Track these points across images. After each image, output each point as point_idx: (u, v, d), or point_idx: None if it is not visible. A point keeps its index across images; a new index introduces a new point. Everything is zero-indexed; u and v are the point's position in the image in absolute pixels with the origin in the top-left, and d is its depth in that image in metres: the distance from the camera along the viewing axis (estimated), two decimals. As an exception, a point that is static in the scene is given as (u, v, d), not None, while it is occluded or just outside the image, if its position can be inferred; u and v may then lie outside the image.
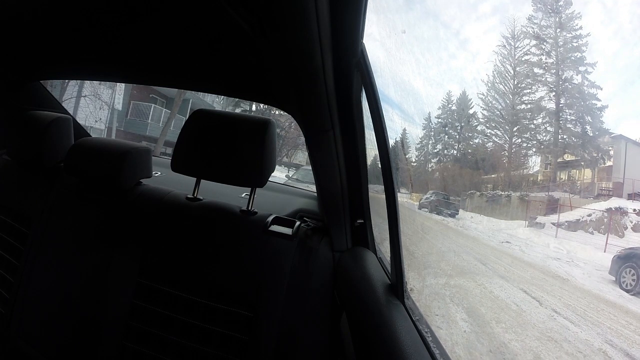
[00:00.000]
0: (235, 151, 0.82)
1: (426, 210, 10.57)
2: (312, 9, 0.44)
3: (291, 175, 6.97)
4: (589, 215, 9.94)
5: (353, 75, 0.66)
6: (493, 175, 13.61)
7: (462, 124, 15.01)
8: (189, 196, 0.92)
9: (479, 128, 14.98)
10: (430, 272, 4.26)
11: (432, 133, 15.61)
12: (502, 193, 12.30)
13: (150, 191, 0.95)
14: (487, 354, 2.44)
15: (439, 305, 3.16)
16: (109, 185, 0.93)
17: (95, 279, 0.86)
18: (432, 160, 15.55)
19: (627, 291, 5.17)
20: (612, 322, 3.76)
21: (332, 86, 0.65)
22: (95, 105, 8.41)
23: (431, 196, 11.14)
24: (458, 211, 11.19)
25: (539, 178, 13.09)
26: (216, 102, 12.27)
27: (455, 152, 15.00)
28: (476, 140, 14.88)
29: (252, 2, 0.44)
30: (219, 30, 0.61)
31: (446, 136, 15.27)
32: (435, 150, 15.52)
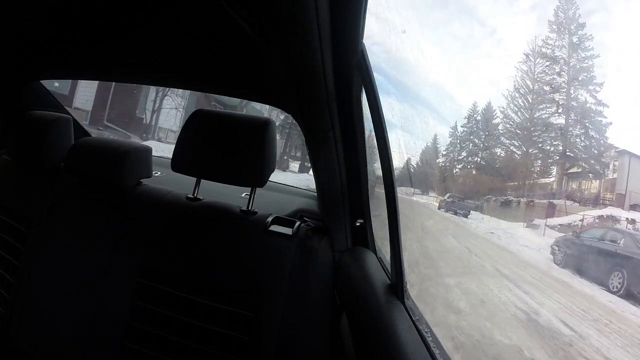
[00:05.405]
0: (235, 151, 0.82)
1: (443, 210, 12.08)
2: (312, 9, 0.45)
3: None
4: (581, 219, 11.57)
5: (353, 75, 0.67)
6: (510, 183, 15.20)
7: (486, 134, 16.40)
8: (189, 196, 0.93)
9: (501, 139, 16.27)
10: (412, 239, 5.65)
11: (458, 141, 16.99)
12: (513, 199, 14.12)
13: (151, 191, 0.96)
14: (426, 269, 4.57)
15: (407, 255, 5.92)
16: (109, 185, 0.94)
17: (96, 279, 0.86)
18: (457, 167, 16.77)
19: (557, 264, 6.86)
20: (520, 270, 5.63)
21: (332, 86, 0.66)
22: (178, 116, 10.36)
23: (448, 198, 12.73)
24: (470, 212, 13.25)
25: (552, 187, 14.45)
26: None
27: (478, 159, 16.38)
28: (497, 150, 16.01)
29: (252, 2, 0.45)
30: (219, 30, 0.62)
31: (470, 144, 16.65)
32: (460, 157, 16.94)
